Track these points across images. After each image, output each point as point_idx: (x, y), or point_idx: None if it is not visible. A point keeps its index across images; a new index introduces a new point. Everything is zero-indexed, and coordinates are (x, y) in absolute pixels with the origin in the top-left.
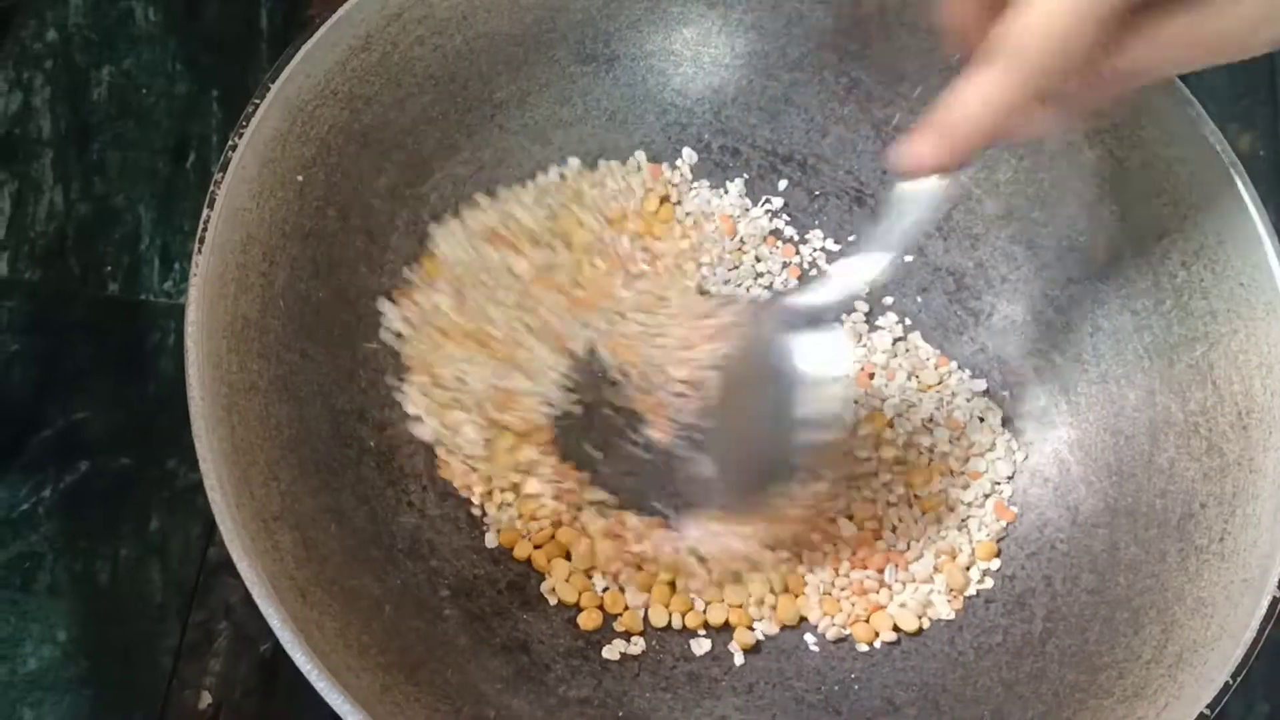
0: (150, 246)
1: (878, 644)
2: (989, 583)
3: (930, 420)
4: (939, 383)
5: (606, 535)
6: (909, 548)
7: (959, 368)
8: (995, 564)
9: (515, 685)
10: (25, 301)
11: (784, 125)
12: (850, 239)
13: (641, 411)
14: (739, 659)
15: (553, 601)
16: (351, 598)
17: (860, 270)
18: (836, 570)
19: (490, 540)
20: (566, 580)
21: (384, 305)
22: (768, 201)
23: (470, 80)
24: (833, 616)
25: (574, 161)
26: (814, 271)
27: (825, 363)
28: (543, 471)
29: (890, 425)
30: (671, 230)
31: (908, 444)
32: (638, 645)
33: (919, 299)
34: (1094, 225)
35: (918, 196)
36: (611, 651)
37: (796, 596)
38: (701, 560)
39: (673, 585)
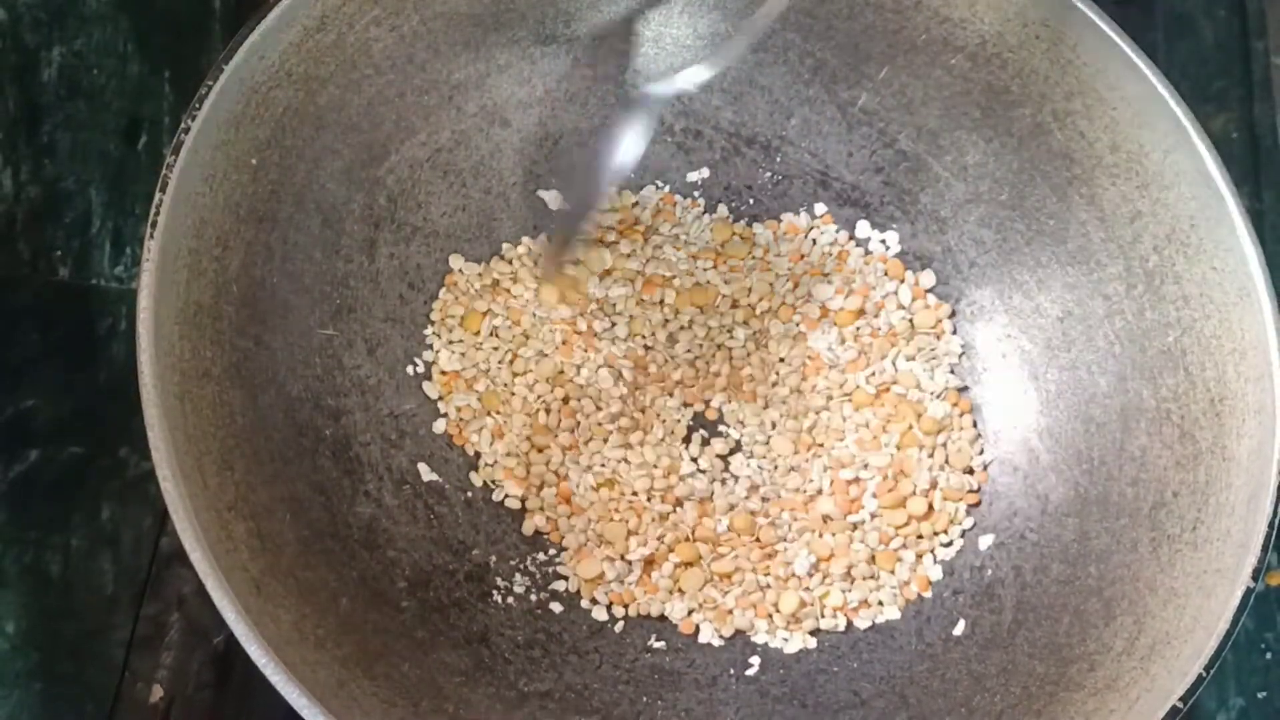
0: (101, 230)
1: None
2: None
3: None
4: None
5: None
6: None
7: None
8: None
9: (474, 678)
10: None
11: (748, 107)
12: None
13: None
14: (701, 651)
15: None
16: (307, 589)
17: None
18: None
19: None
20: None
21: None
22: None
23: (428, 61)
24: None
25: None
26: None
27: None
28: None
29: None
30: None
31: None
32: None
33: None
34: (1064, 208)
35: None
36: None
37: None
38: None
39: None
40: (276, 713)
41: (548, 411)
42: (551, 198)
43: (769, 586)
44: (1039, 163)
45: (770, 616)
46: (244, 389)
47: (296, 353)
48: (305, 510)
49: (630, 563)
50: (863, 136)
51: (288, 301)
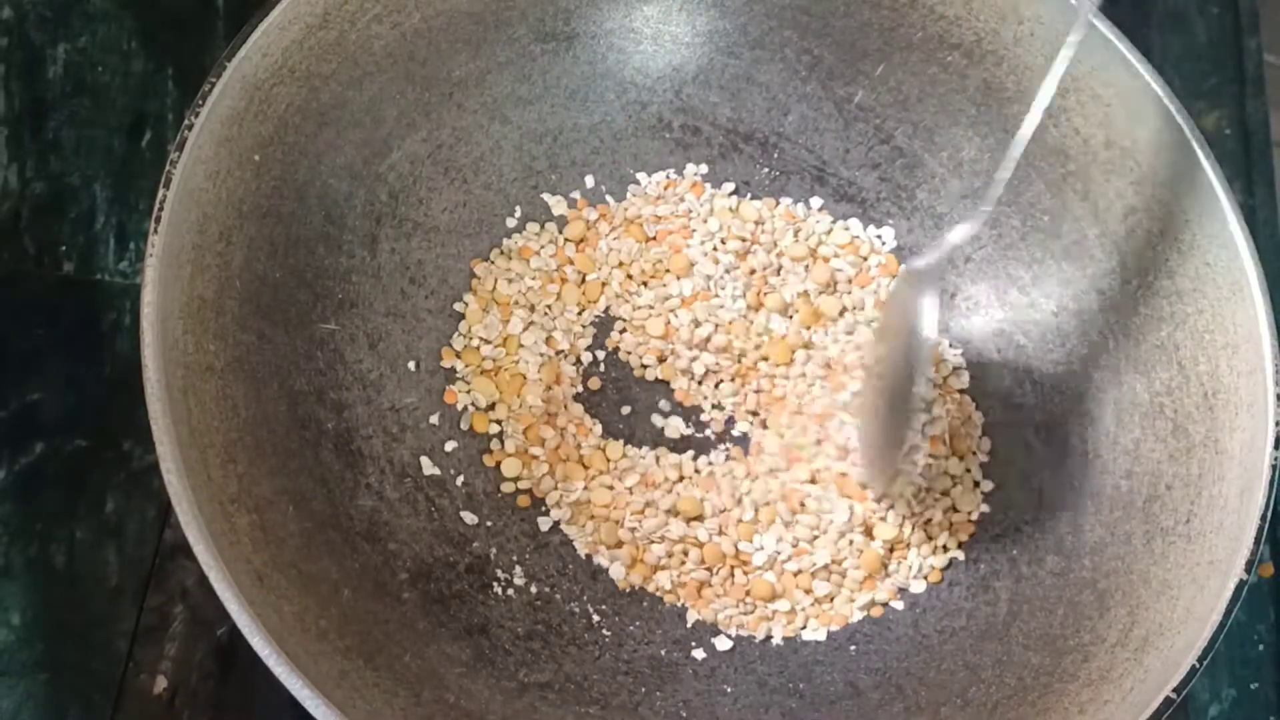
0: (105, 226)
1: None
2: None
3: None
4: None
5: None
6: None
7: None
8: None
9: (475, 669)
10: None
11: (745, 104)
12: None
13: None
14: (700, 653)
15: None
16: (309, 581)
17: (964, 228)
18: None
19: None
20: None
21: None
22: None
23: (429, 58)
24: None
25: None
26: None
27: (934, 325)
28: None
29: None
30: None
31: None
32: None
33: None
34: (1058, 204)
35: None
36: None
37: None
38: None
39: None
40: (279, 703)
41: (550, 410)
42: (555, 201)
43: (760, 578)
44: (1034, 159)
45: (765, 608)
46: (247, 383)
47: (299, 347)
48: (307, 503)
49: None
50: (859, 133)
51: (290, 296)
